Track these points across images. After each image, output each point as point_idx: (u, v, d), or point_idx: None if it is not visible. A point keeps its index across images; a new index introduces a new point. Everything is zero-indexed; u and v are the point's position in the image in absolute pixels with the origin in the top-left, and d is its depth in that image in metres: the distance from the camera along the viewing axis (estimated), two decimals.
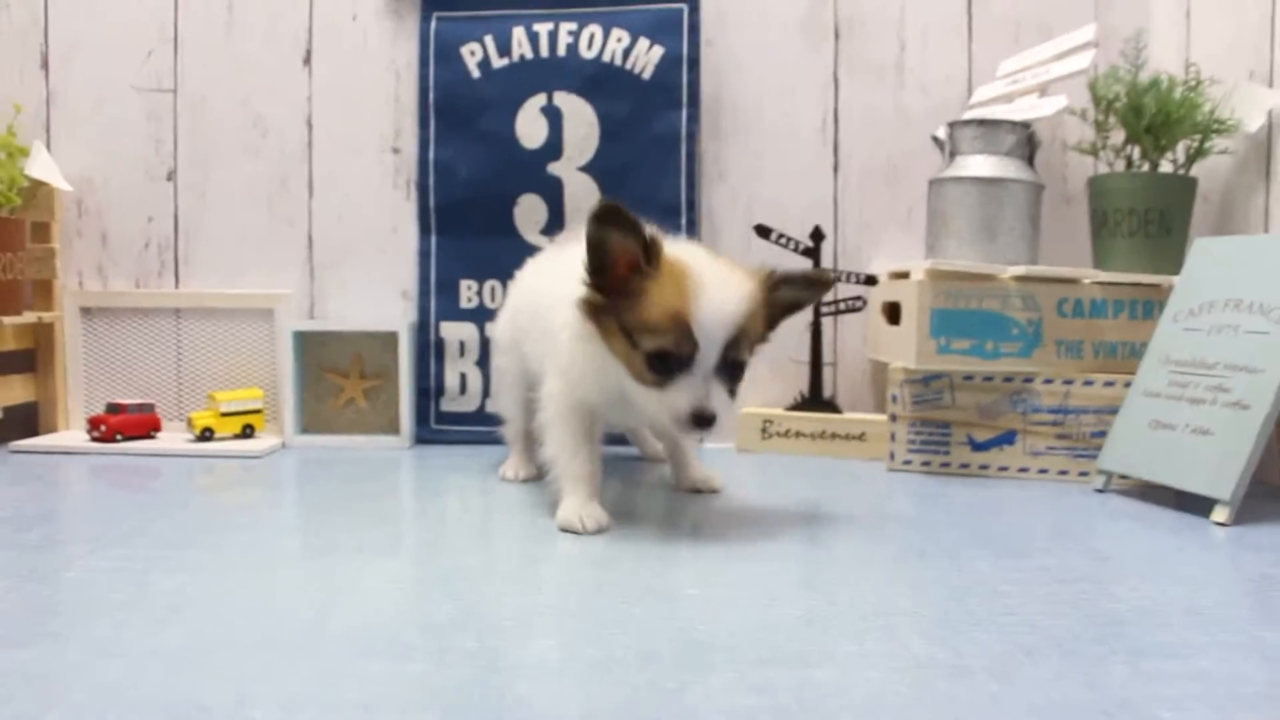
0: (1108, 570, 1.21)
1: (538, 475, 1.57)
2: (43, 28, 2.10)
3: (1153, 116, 1.80)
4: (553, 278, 1.46)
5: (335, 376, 2.06)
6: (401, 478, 1.74)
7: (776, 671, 0.85)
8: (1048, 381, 1.75)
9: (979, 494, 1.63)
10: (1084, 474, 1.73)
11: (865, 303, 1.98)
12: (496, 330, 1.78)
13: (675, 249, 1.27)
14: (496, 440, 1.85)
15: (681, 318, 1.20)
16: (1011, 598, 1.08)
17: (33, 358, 2.08)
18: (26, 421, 2.06)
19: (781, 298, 1.31)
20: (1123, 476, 1.65)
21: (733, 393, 1.26)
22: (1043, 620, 1.00)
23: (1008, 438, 1.77)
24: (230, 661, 0.85)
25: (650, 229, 1.24)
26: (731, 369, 1.24)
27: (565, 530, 1.33)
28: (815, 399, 1.99)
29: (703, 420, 1.21)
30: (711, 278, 1.22)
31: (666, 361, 1.22)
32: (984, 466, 1.77)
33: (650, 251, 1.23)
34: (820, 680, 0.83)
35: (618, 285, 1.25)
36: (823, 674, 0.84)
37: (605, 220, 1.21)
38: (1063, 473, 1.74)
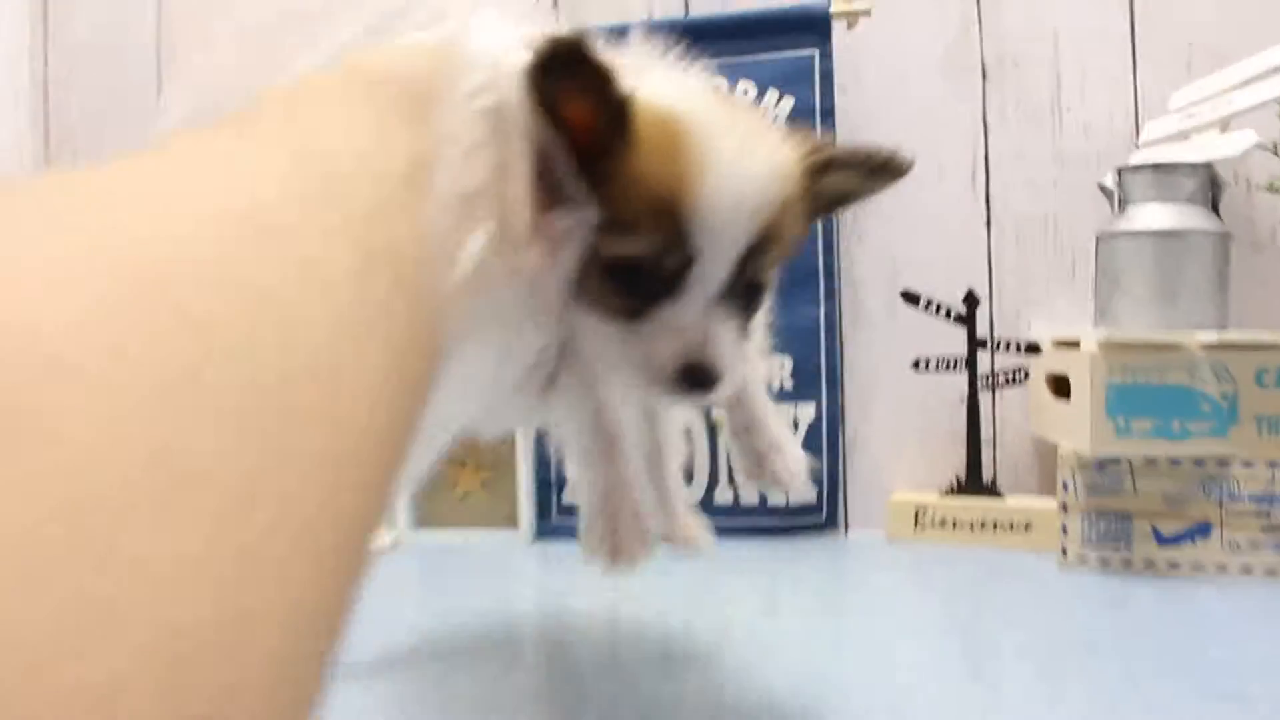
0: None
1: None
2: None
3: None
4: None
5: (449, 467, 1.94)
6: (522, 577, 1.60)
7: None
8: (1247, 464, 1.51)
9: (1170, 602, 1.41)
10: None
11: (1027, 374, 1.76)
12: None
13: (667, 91, 0.71)
14: None
15: (670, 204, 0.68)
16: None
17: None
18: None
19: (827, 186, 0.77)
20: None
21: (745, 332, 0.76)
22: None
23: (1202, 530, 1.53)
24: None
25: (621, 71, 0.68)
26: (746, 295, 0.74)
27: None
28: (974, 483, 1.78)
29: (700, 378, 0.71)
30: (726, 137, 0.69)
31: (640, 280, 0.70)
32: (1174, 565, 1.54)
33: (620, 111, 0.68)
34: None
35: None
36: None
37: (554, 70, 0.63)
38: (1271, 573, 1.50)
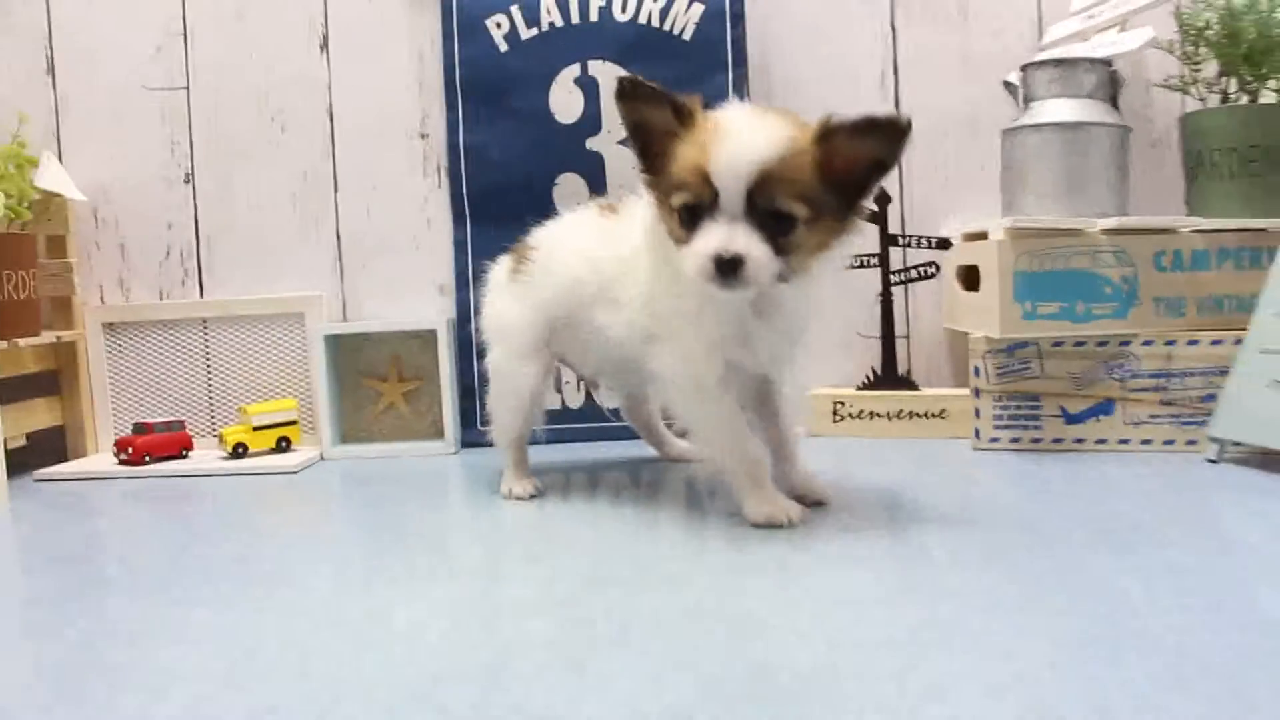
0: (1254, 563, 1.04)
1: (541, 490, 1.50)
2: (47, 32, 1.99)
3: (1252, 43, 1.62)
4: (622, 235, 1.37)
5: (373, 382, 1.94)
6: (450, 490, 1.61)
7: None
8: (1147, 343, 1.58)
9: (1078, 472, 1.47)
10: (1192, 443, 1.56)
11: (939, 269, 1.81)
12: (504, 320, 1.52)
13: (720, 110, 1.22)
14: (539, 440, 1.66)
15: (700, 166, 1.15)
16: (1139, 602, 0.92)
17: (56, 380, 1.97)
18: (54, 447, 1.95)
19: (843, 150, 1.15)
20: (1238, 444, 1.48)
21: (785, 246, 1.16)
22: (1192, 641, 0.83)
23: (1105, 408, 1.60)
24: None
25: (685, 96, 1.21)
26: (772, 219, 1.15)
27: (769, 526, 1.25)
28: (889, 376, 1.84)
29: (724, 263, 1.13)
30: (738, 127, 1.16)
31: (693, 213, 1.17)
32: (1079, 440, 1.61)
33: (681, 113, 1.21)
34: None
35: (663, 163, 1.23)
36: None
37: (629, 96, 1.23)
38: (1168, 443, 1.58)
